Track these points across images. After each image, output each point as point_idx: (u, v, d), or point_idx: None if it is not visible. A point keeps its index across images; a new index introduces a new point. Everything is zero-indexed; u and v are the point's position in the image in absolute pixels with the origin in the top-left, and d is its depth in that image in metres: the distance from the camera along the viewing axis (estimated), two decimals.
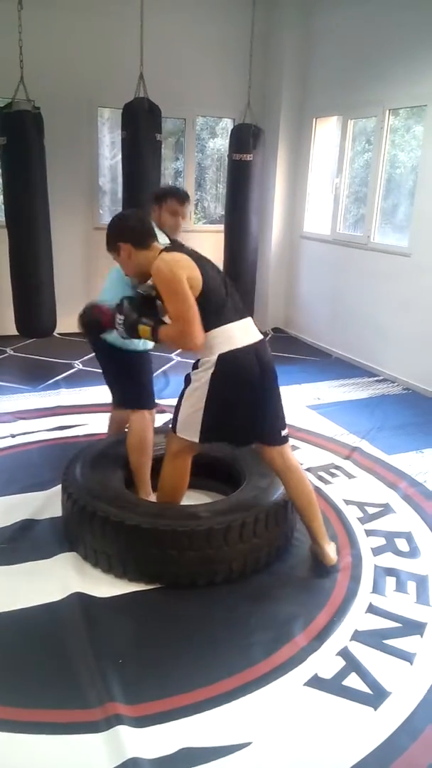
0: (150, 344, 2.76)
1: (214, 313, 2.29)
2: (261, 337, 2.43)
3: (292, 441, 3.68)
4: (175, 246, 2.42)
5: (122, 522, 2.34)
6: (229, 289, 2.40)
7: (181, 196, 2.94)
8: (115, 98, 5.13)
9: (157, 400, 3.00)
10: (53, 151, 4.77)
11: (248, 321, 2.41)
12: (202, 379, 2.32)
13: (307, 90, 5.97)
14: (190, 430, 2.39)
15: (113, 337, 2.73)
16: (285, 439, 2.48)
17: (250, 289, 5.95)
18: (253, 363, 2.34)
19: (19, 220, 4.67)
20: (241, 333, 2.35)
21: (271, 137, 5.99)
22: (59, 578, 2.42)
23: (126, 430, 2.93)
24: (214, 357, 2.29)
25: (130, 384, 2.87)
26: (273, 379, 2.43)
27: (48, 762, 1.70)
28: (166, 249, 2.33)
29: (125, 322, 2.37)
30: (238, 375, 2.33)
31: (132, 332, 2.38)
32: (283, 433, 2.47)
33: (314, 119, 5.94)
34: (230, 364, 2.30)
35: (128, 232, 2.33)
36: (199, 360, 2.37)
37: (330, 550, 2.53)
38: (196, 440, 2.39)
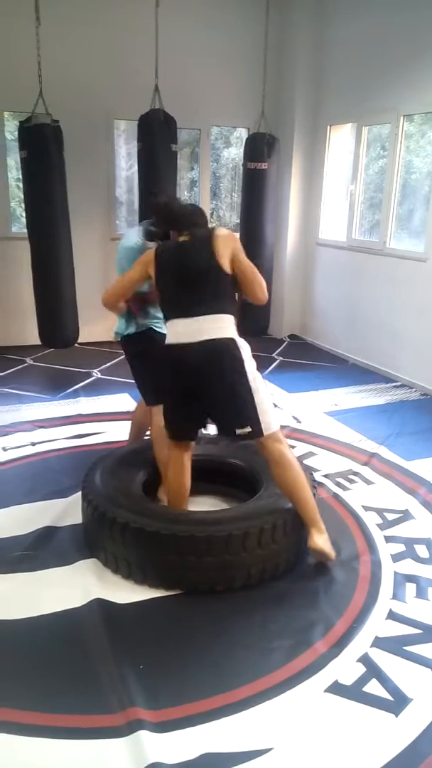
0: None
1: (164, 307, 2.56)
2: (206, 338, 2.41)
3: (309, 447, 3.75)
4: (165, 242, 2.66)
5: (142, 528, 2.36)
6: (190, 285, 2.47)
7: None
8: (131, 110, 5.20)
9: None
10: (72, 163, 4.84)
11: (194, 321, 2.43)
12: None
13: (321, 98, 6.00)
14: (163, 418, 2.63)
15: (122, 327, 2.89)
16: (242, 437, 2.48)
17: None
18: (174, 361, 2.46)
19: (40, 232, 4.74)
20: (179, 330, 2.46)
21: (285, 145, 6.02)
22: (80, 585, 2.45)
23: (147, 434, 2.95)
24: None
25: (143, 378, 2.93)
26: (205, 380, 2.42)
27: (70, 766, 1.72)
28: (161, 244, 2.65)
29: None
30: (168, 366, 2.51)
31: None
32: (240, 431, 2.44)
33: (328, 127, 5.97)
34: (164, 355, 2.51)
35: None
36: None
37: (318, 538, 2.50)
38: (165, 429, 2.60)
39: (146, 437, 3.20)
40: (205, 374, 2.43)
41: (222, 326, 2.46)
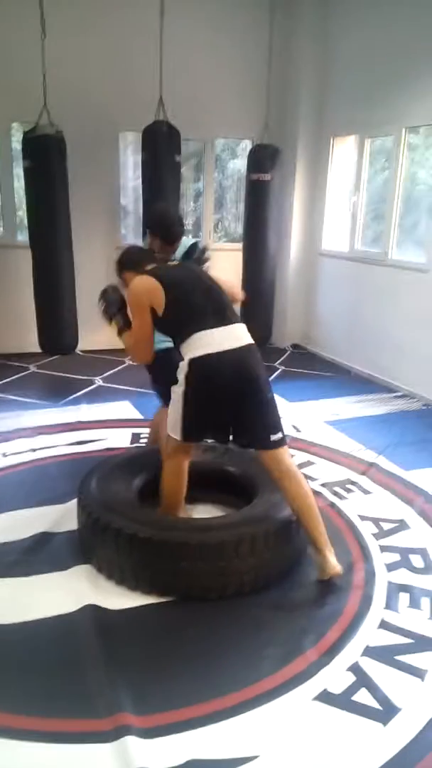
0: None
1: (186, 323, 2.49)
2: (247, 343, 2.50)
3: (308, 456, 3.75)
4: (153, 268, 2.65)
5: (134, 534, 2.37)
6: (214, 299, 2.55)
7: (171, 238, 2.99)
8: (135, 122, 5.25)
9: None
10: (77, 173, 4.90)
11: (232, 328, 2.50)
12: (180, 380, 2.48)
13: (324, 110, 6.05)
14: (175, 429, 2.52)
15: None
16: (277, 444, 2.49)
17: (269, 307, 6.00)
18: (226, 367, 2.42)
19: (42, 241, 4.80)
20: (219, 339, 2.44)
21: (289, 157, 6.07)
22: (73, 590, 2.46)
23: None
24: (186, 361, 2.45)
25: (161, 385, 2.94)
26: (255, 383, 2.46)
27: None
28: (146, 271, 2.60)
29: (105, 309, 2.75)
30: (208, 377, 2.44)
31: (105, 318, 2.75)
32: (274, 437, 2.48)
33: (332, 138, 6.01)
34: (200, 367, 2.43)
35: (128, 262, 2.74)
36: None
37: (332, 558, 2.48)
38: (179, 438, 2.51)
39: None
40: (252, 379, 2.46)
41: (248, 333, 2.55)
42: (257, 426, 2.48)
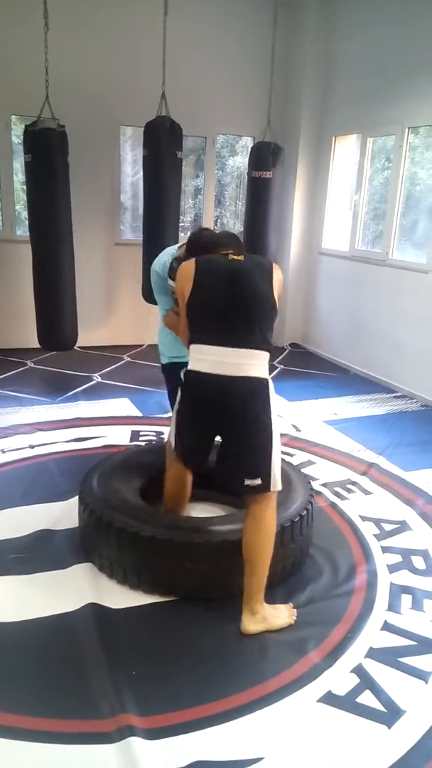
0: None
1: (196, 327, 2.27)
2: (245, 375, 2.19)
3: (308, 456, 3.74)
4: (209, 255, 2.36)
5: (137, 533, 2.35)
6: (236, 311, 2.22)
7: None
8: (137, 117, 5.23)
9: None
10: (77, 168, 4.85)
11: (239, 353, 2.20)
12: (180, 389, 2.34)
13: (326, 108, 6.03)
14: (172, 437, 2.44)
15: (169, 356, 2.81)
16: (252, 490, 2.21)
17: None
18: (207, 392, 2.21)
19: (43, 236, 4.75)
20: (215, 359, 2.20)
21: (290, 155, 6.05)
22: (74, 589, 2.43)
23: None
24: (184, 371, 2.30)
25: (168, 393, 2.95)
26: (239, 419, 2.19)
27: None
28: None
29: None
30: (192, 395, 2.27)
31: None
32: (250, 482, 2.19)
33: (333, 137, 6.00)
34: (189, 382, 2.27)
35: (199, 244, 2.49)
36: None
37: (246, 620, 2.24)
38: (172, 445, 2.43)
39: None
40: (235, 414, 2.19)
41: (262, 364, 2.24)
42: (232, 465, 2.25)
